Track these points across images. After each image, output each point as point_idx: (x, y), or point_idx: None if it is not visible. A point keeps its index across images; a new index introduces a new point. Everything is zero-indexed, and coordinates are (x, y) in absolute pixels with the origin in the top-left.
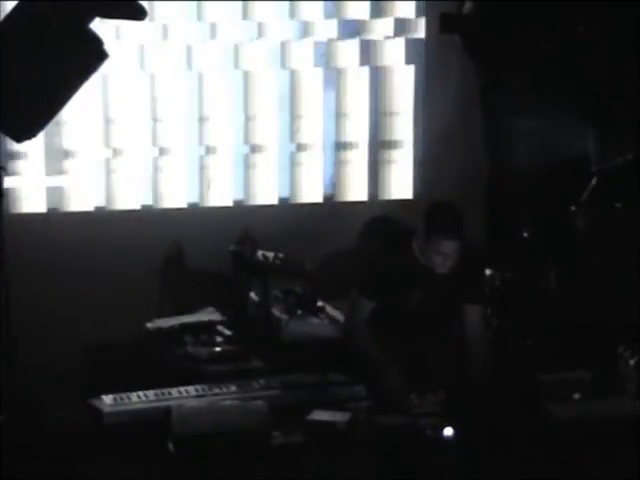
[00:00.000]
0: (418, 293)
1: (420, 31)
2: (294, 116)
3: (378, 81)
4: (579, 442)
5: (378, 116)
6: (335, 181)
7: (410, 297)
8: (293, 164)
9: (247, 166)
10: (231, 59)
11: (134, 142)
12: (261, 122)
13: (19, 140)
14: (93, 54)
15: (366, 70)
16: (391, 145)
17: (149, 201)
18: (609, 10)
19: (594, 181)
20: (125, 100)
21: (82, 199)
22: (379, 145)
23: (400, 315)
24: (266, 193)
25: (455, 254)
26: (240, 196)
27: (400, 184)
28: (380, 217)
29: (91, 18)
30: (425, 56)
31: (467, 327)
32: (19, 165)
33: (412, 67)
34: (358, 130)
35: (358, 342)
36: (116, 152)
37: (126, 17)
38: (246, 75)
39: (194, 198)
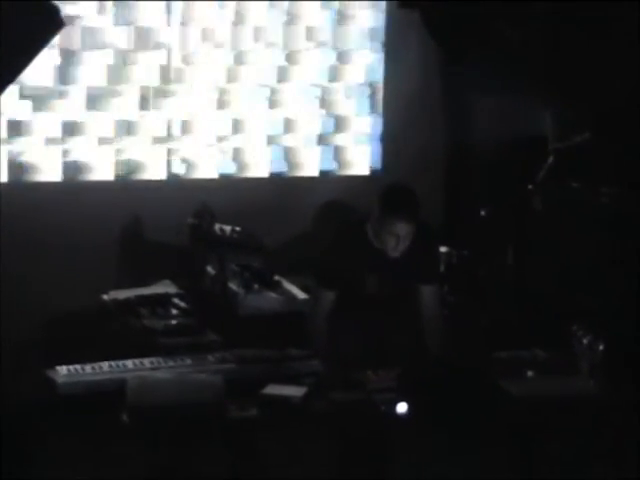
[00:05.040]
0: (374, 277)
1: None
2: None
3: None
4: (532, 419)
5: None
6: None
7: (367, 282)
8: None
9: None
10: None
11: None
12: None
13: None
14: (49, 22)
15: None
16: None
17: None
18: None
19: (551, 159)
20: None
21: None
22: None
23: (359, 300)
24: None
25: (408, 237)
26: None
27: (362, 160)
28: (333, 201)
29: None
30: (385, 32)
31: (423, 307)
32: None
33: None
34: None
35: (313, 340)
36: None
37: None
38: None
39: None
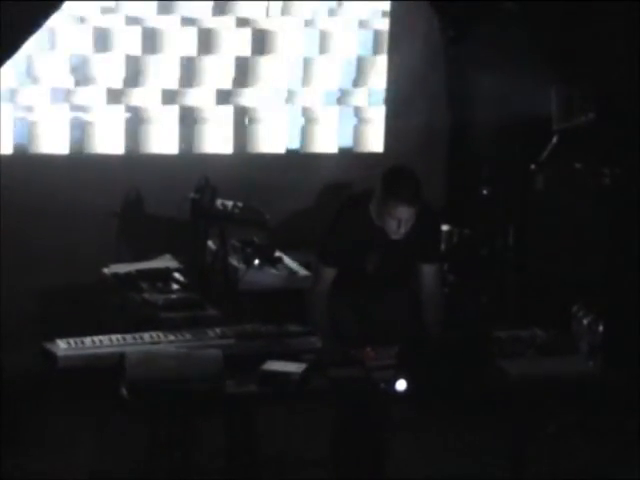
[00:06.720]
0: (376, 255)
1: None
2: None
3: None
4: (530, 399)
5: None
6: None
7: (368, 260)
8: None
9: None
10: None
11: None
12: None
13: None
14: (48, 1)
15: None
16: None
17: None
18: None
19: (555, 140)
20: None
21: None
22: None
23: (360, 277)
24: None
25: (410, 220)
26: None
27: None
28: (339, 178)
29: None
30: (391, 10)
31: (423, 286)
32: None
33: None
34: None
35: (313, 316)
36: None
37: None
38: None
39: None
